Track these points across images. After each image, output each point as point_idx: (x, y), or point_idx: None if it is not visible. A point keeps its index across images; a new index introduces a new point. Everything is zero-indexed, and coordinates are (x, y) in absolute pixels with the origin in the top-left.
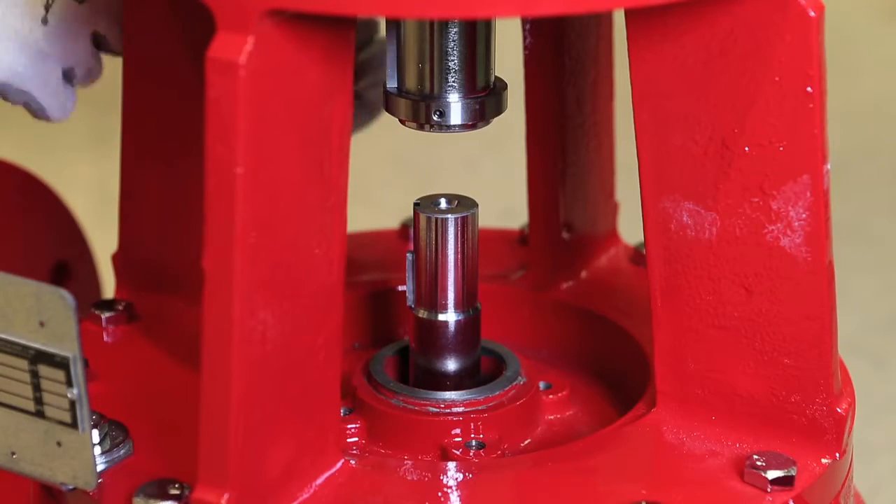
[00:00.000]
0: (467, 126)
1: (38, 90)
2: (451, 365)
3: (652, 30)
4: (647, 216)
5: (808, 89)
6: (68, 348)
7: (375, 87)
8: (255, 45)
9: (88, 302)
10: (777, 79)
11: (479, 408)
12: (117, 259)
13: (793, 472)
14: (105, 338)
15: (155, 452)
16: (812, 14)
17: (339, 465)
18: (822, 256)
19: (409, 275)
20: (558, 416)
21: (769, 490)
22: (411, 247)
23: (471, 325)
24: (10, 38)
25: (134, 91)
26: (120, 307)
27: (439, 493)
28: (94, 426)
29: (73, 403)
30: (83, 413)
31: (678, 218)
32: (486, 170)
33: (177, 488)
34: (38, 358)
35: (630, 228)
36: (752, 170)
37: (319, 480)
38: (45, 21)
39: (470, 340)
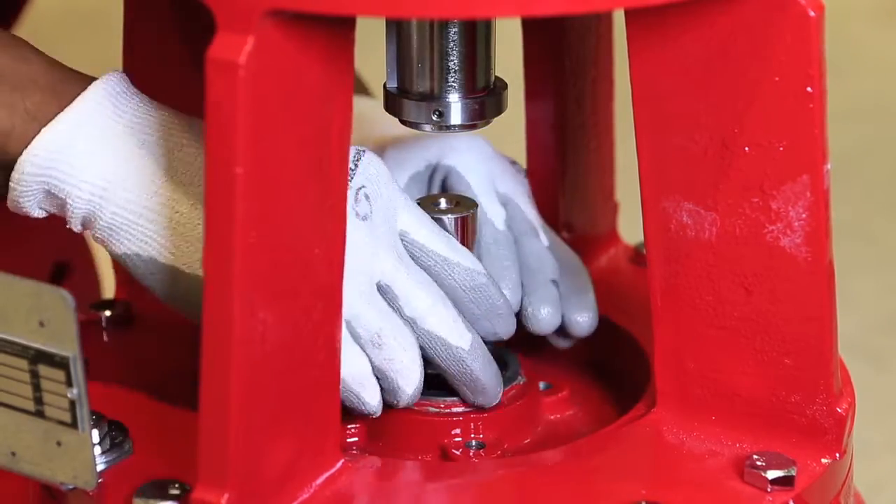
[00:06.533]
0: (467, 126)
1: None
2: None
3: (652, 30)
4: (647, 216)
5: (808, 89)
6: (68, 348)
7: None
8: (255, 45)
9: (88, 302)
10: (777, 79)
11: (479, 408)
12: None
13: (793, 472)
14: (104, 338)
15: (155, 452)
16: (812, 14)
17: (338, 465)
18: (822, 256)
19: None
20: (558, 416)
21: (769, 490)
22: None
23: None
24: None
25: None
26: (119, 307)
27: (439, 494)
28: (94, 426)
29: (72, 403)
30: (83, 413)
31: (678, 218)
32: None
33: (177, 488)
34: (38, 358)
35: (630, 228)
36: (752, 170)
37: (319, 480)
38: None
39: None
